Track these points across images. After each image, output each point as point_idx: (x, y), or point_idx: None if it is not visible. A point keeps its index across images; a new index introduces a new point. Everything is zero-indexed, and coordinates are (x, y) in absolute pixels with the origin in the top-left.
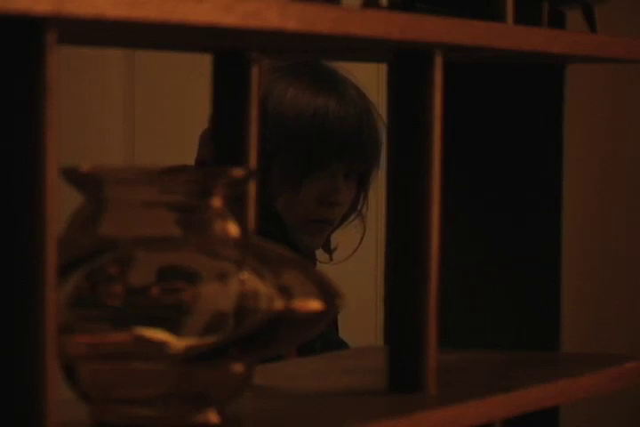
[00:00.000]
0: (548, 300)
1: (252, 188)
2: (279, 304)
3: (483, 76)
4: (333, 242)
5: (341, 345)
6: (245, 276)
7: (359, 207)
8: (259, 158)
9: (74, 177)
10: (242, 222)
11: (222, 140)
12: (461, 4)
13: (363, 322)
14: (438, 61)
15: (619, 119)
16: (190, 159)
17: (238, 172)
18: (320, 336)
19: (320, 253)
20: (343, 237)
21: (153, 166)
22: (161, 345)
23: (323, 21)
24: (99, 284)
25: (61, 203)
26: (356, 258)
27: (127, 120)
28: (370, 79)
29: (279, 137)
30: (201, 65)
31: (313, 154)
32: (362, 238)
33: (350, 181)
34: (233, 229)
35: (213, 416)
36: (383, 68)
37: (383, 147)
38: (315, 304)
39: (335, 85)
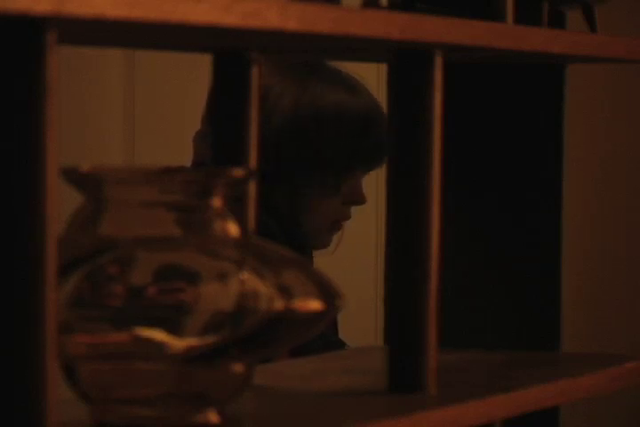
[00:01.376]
0: (548, 300)
1: (252, 188)
2: (279, 304)
3: (483, 76)
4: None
5: (341, 346)
6: (245, 276)
7: None
8: (259, 158)
9: (74, 177)
10: (242, 222)
11: (222, 140)
12: (461, 3)
13: (363, 322)
14: (438, 61)
15: (619, 119)
16: (190, 159)
17: (238, 172)
18: (320, 337)
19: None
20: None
21: (153, 166)
22: (161, 345)
23: (323, 21)
24: (99, 284)
25: (61, 203)
26: (356, 258)
27: (127, 120)
28: (370, 79)
29: (319, 141)
30: (201, 65)
31: (356, 156)
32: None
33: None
34: (233, 229)
35: (213, 416)
36: (383, 68)
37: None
38: (315, 304)
39: (359, 86)
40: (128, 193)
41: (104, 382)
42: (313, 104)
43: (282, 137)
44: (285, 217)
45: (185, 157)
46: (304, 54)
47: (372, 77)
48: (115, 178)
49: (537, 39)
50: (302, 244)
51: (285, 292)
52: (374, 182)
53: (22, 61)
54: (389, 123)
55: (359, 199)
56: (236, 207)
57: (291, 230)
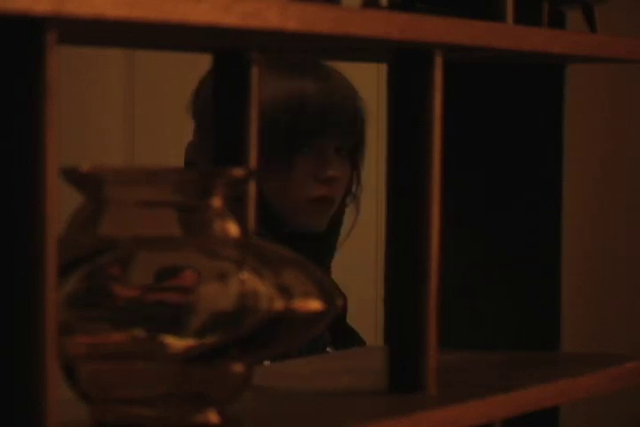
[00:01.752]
0: (548, 300)
1: (251, 188)
2: (279, 304)
3: (483, 76)
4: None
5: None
6: (245, 276)
7: (353, 186)
8: (259, 158)
9: (74, 177)
10: (242, 222)
11: (222, 140)
12: (461, 3)
13: (363, 322)
14: (438, 61)
15: (619, 119)
16: None
17: (238, 172)
18: (320, 337)
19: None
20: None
21: (153, 166)
22: (161, 345)
23: (323, 21)
24: (99, 284)
25: (61, 203)
26: (356, 258)
27: (127, 120)
28: (370, 79)
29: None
30: (201, 65)
31: (296, 130)
32: (354, 221)
33: (343, 158)
34: (233, 229)
35: (213, 416)
36: (383, 68)
37: (368, 123)
38: (315, 304)
39: (306, 66)
40: (128, 193)
41: (104, 382)
42: None
43: None
44: (263, 212)
45: None
46: (304, 54)
47: (372, 77)
48: (115, 178)
49: (537, 39)
50: (294, 237)
51: (285, 292)
52: (374, 182)
53: (22, 61)
54: (389, 123)
55: (329, 174)
56: (235, 207)
57: (276, 228)
